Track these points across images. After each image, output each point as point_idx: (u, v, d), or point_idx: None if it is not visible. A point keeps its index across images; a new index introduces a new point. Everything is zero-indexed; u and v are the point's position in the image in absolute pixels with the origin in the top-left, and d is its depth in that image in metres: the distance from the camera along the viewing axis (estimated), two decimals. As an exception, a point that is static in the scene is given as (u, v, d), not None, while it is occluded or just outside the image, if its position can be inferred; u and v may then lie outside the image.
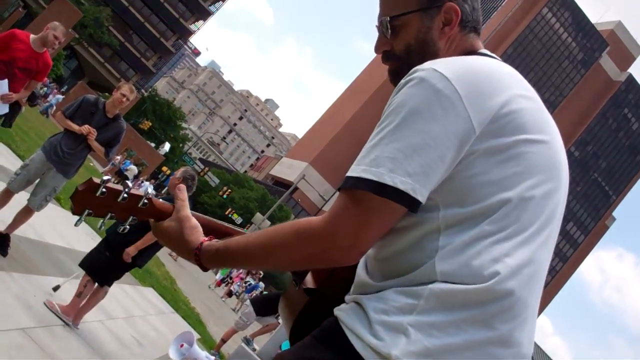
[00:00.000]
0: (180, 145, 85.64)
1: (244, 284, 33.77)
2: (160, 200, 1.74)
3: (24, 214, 6.60)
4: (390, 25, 1.66)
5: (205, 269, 1.65)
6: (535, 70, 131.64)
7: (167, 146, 69.46)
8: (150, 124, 70.70)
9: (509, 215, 1.41)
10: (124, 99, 6.68)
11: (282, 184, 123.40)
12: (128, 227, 1.73)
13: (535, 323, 1.50)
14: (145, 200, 1.68)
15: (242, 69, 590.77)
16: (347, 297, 1.56)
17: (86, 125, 6.42)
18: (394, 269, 1.46)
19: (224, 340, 11.88)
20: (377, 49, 1.73)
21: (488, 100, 1.42)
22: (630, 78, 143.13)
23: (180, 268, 23.06)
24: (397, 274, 1.45)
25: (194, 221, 1.69)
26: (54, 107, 40.50)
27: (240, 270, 40.65)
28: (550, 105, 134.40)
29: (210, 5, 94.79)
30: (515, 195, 1.42)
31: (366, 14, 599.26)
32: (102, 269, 6.66)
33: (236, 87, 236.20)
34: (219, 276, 35.45)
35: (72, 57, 77.74)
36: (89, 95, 6.83)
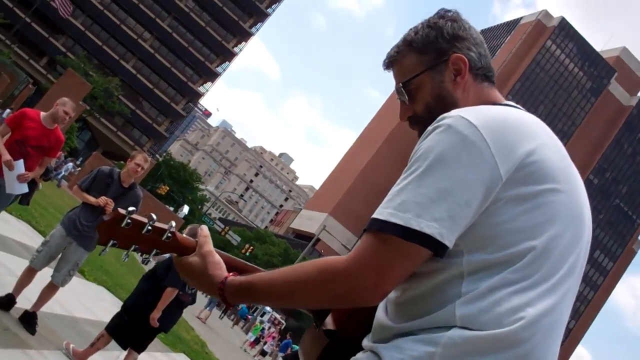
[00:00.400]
0: (199, 206, 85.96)
1: (277, 343, 33.45)
2: (184, 235, 1.73)
3: (49, 290, 6.54)
4: (406, 91, 1.72)
5: (228, 305, 1.64)
6: (545, 103, 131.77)
7: (186, 209, 69.77)
8: (168, 188, 71.10)
9: (533, 264, 1.41)
10: (139, 169, 6.67)
11: (303, 237, 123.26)
12: (150, 259, 1.71)
13: None
14: (169, 234, 1.67)
15: (254, 125, 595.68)
16: (364, 343, 1.56)
17: (103, 197, 6.39)
18: (414, 312, 1.45)
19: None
20: (402, 117, 1.77)
21: (515, 149, 1.42)
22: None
23: (210, 331, 22.86)
24: (416, 317, 1.44)
25: (218, 257, 1.69)
26: (64, 175, 40.93)
27: (272, 330, 40.41)
28: (564, 136, 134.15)
29: (217, 67, 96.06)
30: (540, 244, 1.42)
31: (372, 61, 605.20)
32: (124, 333, 6.66)
33: (249, 144, 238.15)
34: (250, 336, 35.17)
35: (85, 128, 78.75)
36: (104, 167, 6.83)
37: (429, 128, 1.48)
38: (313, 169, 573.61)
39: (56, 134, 6.59)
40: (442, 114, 1.55)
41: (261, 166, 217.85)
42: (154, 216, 1.67)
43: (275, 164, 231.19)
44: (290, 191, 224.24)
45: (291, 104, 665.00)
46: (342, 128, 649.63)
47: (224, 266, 1.67)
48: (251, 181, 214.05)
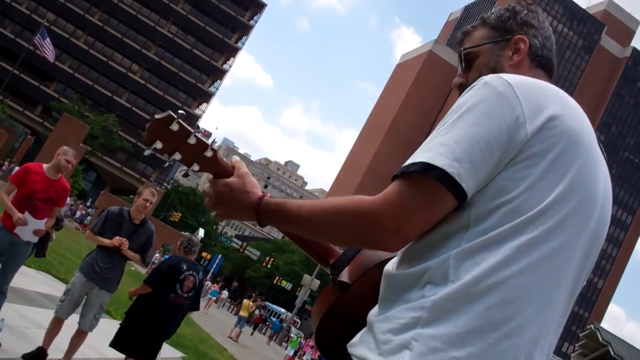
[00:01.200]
0: (214, 227, 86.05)
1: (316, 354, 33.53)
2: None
3: (78, 337, 6.61)
4: (466, 59, 1.77)
5: (261, 224, 1.65)
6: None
7: (201, 232, 69.67)
8: (180, 214, 71.31)
9: (542, 219, 1.39)
10: (148, 204, 6.75)
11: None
12: (189, 173, 1.73)
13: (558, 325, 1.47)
14: (211, 150, 1.67)
15: (255, 138, 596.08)
16: (370, 315, 1.54)
17: (117, 237, 6.47)
18: (415, 260, 1.44)
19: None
20: (454, 85, 1.80)
21: (543, 109, 1.43)
22: (635, 52, 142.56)
23: (244, 349, 22.93)
24: (416, 265, 1.42)
25: (254, 180, 1.71)
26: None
27: (309, 339, 40.44)
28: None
29: (209, 87, 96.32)
30: (552, 202, 1.40)
31: (362, 55, 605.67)
32: (126, 342, 6.69)
33: (253, 158, 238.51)
34: (289, 350, 35.18)
35: (90, 169, 79.15)
36: (112, 208, 6.91)
37: (467, 89, 1.51)
38: (321, 172, 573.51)
39: (62, 184, 6.66)
40: None
41: (269, 177, 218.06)
42: (200, 136, 1.66)
43: (283, 172, 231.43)
44: (301, 197, 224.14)
45: (289, 112, 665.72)
46: (343, 126, 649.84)
47: (259, 187, 1.70)
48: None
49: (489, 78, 1.47)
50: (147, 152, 1.68)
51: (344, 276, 1.76)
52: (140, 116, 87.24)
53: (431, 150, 1.39)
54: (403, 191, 1.39)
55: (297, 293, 51.81)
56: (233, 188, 1.67)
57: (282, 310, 62.69)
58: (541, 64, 1.75)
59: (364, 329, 1.52)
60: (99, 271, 6.51)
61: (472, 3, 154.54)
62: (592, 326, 35.89)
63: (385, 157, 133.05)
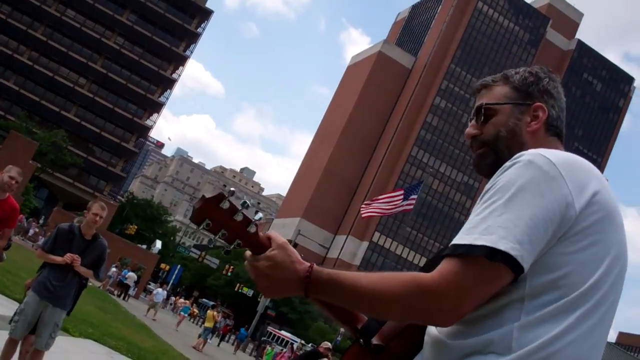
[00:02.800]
0: (172, 238, 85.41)
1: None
2: None
3: (34, 357, 6.46)
4: (485, 113, 1.82)
5: (307, 296, 1.60)
6: (489, 64, 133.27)
7: (158, 244, 69.26)
8: (136, 227, 70.53)
9: (587, 298, 1.53)
10: (97, 218, 6.62)
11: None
12: (230, 250, 1.68)
13: None
14: (254, 225, 1.65)
15: (209, 147, 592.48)
16: None
17: (68, 254, 6.34)
18: (473, 332, 1.54)
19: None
20: (468, 134, 1.86)
21: (587, 186, 1.55)
22: (580, 44, 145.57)
23: (205, 357, 22.71)
24: (475, 335, 1.53)
25: (294, 249, 1.67)
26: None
27: (285, 350, 40.26)
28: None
29: (159, 97, 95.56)
30: (598, 281, 1.54)
31: (312, 59, 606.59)
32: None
33: (208, 166, 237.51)
34: None
35: (41, 186, 77.80)
36: (63, 225, 6.76)
37: (507, 163, 1.59)
38: (277, 177, 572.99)
39: (9, 203, 6.50)
40: (506, 146, 1.76)
41: (225, 185, 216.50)
42: (248, 202, 1.65)
43: (239, 180, 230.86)
44: (258, 203, 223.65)
45: (242, 118, 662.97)
46: (297, 130, 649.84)
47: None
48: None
49: (532, 156, 1.56)
50: (198, 229, 1.69)
51: (376, 338, 1.77)
52: (90, 130, 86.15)
53: (491, 233, 1.46)
54: (465, 272, 1.48)
55: (259, 299, 51.53)
56: (277, 261, 1.62)
57: (292, 337, 61.05)
58: (555, 133, 1.82)
59: None
60: (51, 289, 6.37)
61: (418, 2, 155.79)
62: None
63: (341, 159, 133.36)
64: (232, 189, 1.62)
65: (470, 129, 1.86)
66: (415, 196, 19.39)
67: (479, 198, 1.63)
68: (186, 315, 33.78)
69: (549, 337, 1.49)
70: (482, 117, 1.82)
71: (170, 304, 57.45)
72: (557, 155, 1.58)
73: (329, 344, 13.52)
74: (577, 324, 1.52)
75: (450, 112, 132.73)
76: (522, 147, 1.74)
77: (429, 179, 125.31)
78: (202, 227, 1.60)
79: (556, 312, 1.51)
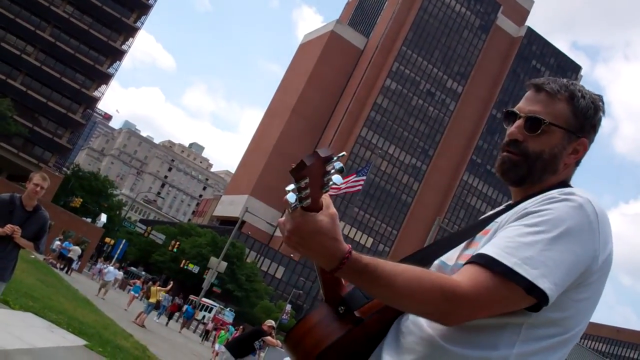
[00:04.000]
0: (117, 212, 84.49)
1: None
2: None
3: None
4: (541, 127, 1.81)
5: (335, 274, 1.54)
6: (440, 47, 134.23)
7: (103, 217, 68.46)
8: (81, 200, 69.61)
9: (572, 339, 1.68)
10: (38, 188, 6.54)
11: (228, 222, 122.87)
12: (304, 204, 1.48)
13: None
14: (327, 188, 1.51)
15: (158, 121, 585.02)
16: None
17: (8, 225, 6.27)
18: (471, 342, 1.62)
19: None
20: (512, 135, 1.86)
21: (608, 243, 1.67)
22: (530, 31, 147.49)
23: (148, 333, 22.67)
24: (472, 347, 1.61)
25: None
26: None
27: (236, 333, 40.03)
28: (462, 77, 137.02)
29: (108, 68, 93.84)
30: (583, 326, 1.71)
31: (265, 36, 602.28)
32: None
33: (157, 140, 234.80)
34: (218, 347, 34.87)
35: (-16, 155, 76.06)
36: (3, 195, 6.67)
37: (556, 195, 1.68)
38: (226, 154, 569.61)
39: None
40: (541, 167, 1.81)
41: (173, 160, 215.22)
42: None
43: (187, 155, 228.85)
44: (207, 180, 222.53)
45: (192, 93, 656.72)
46: (248, 107, 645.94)
47: None
48: (165, 177, 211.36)
49: (583, 201, 1.64)
50: (290, 191, 1.48)
51: (357, 312, 1.74)
52: (36, 100, 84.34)
53: (534, 267, 1.55)
54: (497, 291, 1.55)
55: (204, 276, 51.38)
56: (323, 230, 1.50)
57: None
58: (578, 165, 1.91)
59: None
60: (-9, 261, 6.31)
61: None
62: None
63: (291, 137, 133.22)
64: (343, 153, 1.50)
65: (515, 131, 1.85)
66: (364, 177, 19.57)
67: (517, 215, 1.69)
68: (136, 295, 32.94)
69: None
70: (534, 128, 1.82)
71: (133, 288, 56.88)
72: (599, 206, 1.67)
73: (273, 322, 13.69)
74: None
75: (400, 94, 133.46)
76: (554, 174, 1.84)
77: (377, 160, 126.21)
78: (297, 185, 1.46)
79: (549, 348, 1.63)
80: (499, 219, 1.78)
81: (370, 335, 1.74)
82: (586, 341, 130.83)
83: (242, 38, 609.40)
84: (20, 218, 6.42)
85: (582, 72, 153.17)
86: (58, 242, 41.70)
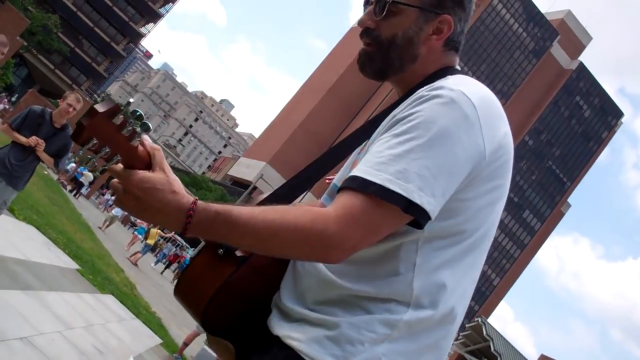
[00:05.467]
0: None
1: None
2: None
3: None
4: (388, 9, 1.63)
5: (185, 233, 1.37)
6: (488, 62, 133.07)
7: (123, 151, 68.64)
8: (105, 129, 69.88)
9: (477, 243, 1.53)
10: (71, 109, 6.63)
11: (240, 184, 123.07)
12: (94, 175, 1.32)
13: None
14: (138, 138, 1.39)
15: (195, 70, 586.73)
16: (304, 312, 1.53)
17: (34, 137, 6.36)
18: (367, 274, 1.48)
19: (186, 344, 11.84)
20: (362, 23, 1.69)
21: (496, 131, 1.50)
22: (581, 66, 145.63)
23: (140, 273, 22.89)
24: (369, 280, 1.47)
25: (177, 178, 1.42)
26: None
27: None
28: (503, 96, 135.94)
29: (160, 8, 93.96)
30: (487, 225, 1.55)
31: (318, 13, 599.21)
32: None
33: (190, 89, 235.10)
34: None
35: (22, 65, 76.49)
36: (35, 106, 6.76)
37: (424, 93, 1.48)
38: (254, 117, 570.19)
39: None
40: (398, 54, 1.63)
41: (201, 111, 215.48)
42: (142, 113, 1.41)
43: (216, 110, 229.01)
44: (229, 138, 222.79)
45: (234, 49, 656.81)
46: (286, 77, 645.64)
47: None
48: (190, 126, 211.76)
49: (455, 95, 1.45)
50: (80, 152, 1.37)
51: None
52: (84, 22, 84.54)
53: (407, 180, 1.37)
54: (373, 214, 1.38)
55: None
56: (157, 186, 1.36)
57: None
58: (454, 47, 1.72)
59: (317, 329, 1.49)
60: (9, 167, 6.41)
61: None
62: (479, 319, 37.26)
63: (321, 116, 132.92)
64: (130, 100, 1.28)
65: (366, 18, 1.68)
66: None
67: (387, 124, 1.52)
68: (140, 236, 32.43)
69: (446, 286, 1.47)
70: (383, 11, 1.64)
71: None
72: (477, 95, 1.49)
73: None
74: (465, 274, 1.53)
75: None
76: (415, 60, 1.65)
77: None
78: (85, 147, 1.34)
79: (453, 257, 1.48)
80: (375, 132, 1.59)
81: (260, 271, 1.61)
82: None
83: (295, 8, 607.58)
84: (47, 133, 6.51)
85: (623, 119, 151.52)
86: (73, 165, 41.96)
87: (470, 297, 1.60)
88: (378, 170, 1.39)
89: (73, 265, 11.26)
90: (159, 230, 30.61)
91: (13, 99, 59.39)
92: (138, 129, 1.37)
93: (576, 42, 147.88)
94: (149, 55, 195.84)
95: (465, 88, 1.48)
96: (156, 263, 35.26)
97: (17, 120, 6.56)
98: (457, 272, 1.50)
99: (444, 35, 1.65)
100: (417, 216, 1.38)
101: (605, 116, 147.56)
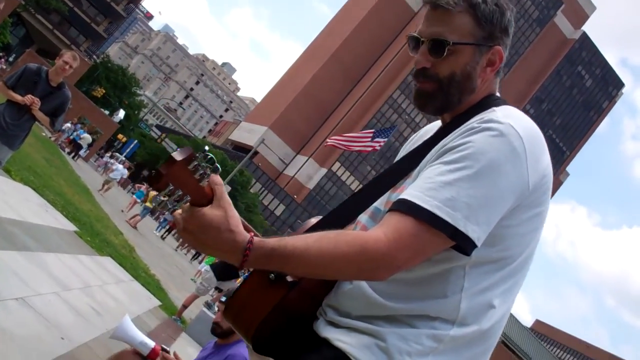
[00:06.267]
0: (136, 112, 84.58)
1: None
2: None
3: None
4: (447, 48, 1.67)
5: (242, 268, 1.44)
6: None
7: (121, 113, 68.50)
8: (104, 91, 69.63)
9: (519, 267, 1.63)
10: (67, 67, 6.47)
11: (241, 149, 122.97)
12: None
13: None
14: (207, 181, 1.46)
15: (197, 32, 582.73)
16: (352, 322, 1.62)
17: (29, 95, 6.22)
18: (413, 295, 1.57)
19: (185, 306, 11.87)
20: (419, 63, 1.72)
21: (540, 162, 1.58)
22: (584, 36, 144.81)
23: (139, 236, 22.87)
24: (415, 300, 1.57)
25: (237, 213, 1.47)
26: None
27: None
28: (506, 65, 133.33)
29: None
30: (529, 251, 1.64)
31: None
32: None
33: (191, 51, 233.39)
34: (203, 266, 34.58)
35: (20, 24, 75.85)
36: (31, 64, 6.60)
37: (475, 125, 1.57)
38: (256, 81, 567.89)
39: None
40: (457, 90, 1.69)
41: (202, 74, 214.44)
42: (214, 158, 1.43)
43: (217, 73, 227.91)
44: (231, 102, 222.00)
45: (237, 12, 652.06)
46: (288, 41, 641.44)
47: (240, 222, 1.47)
48: (191, 89, 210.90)
49: (504, 129, 1.53)
50: (156, 200, 1.40)
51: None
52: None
53: (455, 208, 1.46)
54: (421, 238, 1.47)
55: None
56: (214, 224, 1.40)
57: None
58: (498, 73, 1.77)
59: (363, 338, 1.58)
60: (4, 126, 6.27)
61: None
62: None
63: (324, 81, 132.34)
64: (206, 147, 1.39)
65: (422, 59, 1.71)
66: (385, 140, 19.34)
67: (437, 153, 1.59)
68: (139, 200, 32.06)
69: (491, 306, 1.57)
70: (439, 51, 1.68)
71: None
72: (524, 128, 1.56)
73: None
74: (508, 293, 1.62)
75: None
76: (473, 92, 1.71)
77: (402, 125, 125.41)
78: (159, 196, 1.34)
79: (498, 281, 1.58)
80: (424, 159, 1.66)
81: (310, 294, 1.70)
82: (555, 349, 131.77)
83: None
84: (43, 91, 6.36)
85: (624, 90, 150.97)
86: (69, 125, 41.59)
87: (509, 314, 1.69)
88: (428, 196, 1.47)
89: (71, 227, 11.18)
90: (154, 193, 30.40)
91: (10, 58, 59.03)
92: (208, 172, 1.43)
93: (580, 11, 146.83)
94: (149, 17, 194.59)
95: (513, 121, 1.56)
96: (157, 228, 35.10)
97: (12, 79, 6.41)
98: (501, 294, 1.59)
99: (497, 66, 1.74)
100: (462, 243, 1.47)
101: (606, 86, 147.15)
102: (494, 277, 1.58)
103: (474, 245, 1.48)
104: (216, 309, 12.03)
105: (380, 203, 1.77)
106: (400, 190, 1.68)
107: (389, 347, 1.54)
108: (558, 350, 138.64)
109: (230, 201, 1.45)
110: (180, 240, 41.43)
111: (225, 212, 1.41)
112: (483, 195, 1.47)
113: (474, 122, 1.60)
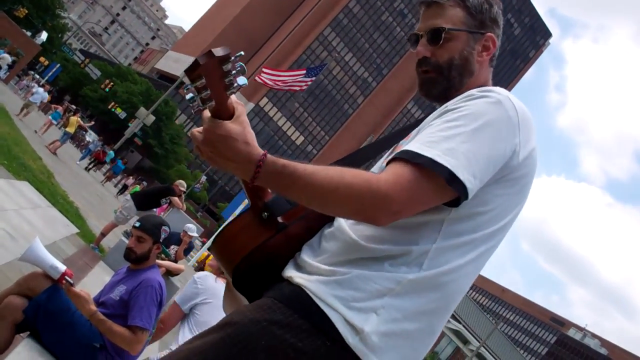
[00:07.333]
0: (59, 35, 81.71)
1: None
2: None
3: None
4: (443, 37, 1.85)
5: (253, 182, 1.55)
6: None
7: (44, 35, 65.97)
8: (27, 11, 66.81)
9: (493, 235, 1.71)
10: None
11: (167, 79, 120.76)
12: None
13: None
14: (234, 92, 1.49)
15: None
16: (320, 265, 1.68)
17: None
18: (392, 239, 1.64)
19: (103, 234, 11.77)
20: (419, 53, 1.89)
21: (530, 141, 1.70)
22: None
23: (58, 163, 22.38)
24: (392, 244, 1.64)
25: (252, 131, 1.57)
26: None
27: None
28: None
29: None
30: (505, 224, 1.74)
31: None
32: None
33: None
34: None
35: None
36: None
37: (474, 92, 1.70)
38: (185, 10, 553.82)
39: None
40: (458, 74, 1.85)
41: (130, 0, 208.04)
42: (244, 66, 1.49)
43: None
44: (158, 30, 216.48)
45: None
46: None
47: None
48: (118, 14, 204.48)
49: (502, 98, 1.67)
50: (188, 95, 1.47)
51: (280, 217, 1.77)
52: None
53: (454, 157, 1.55)
54: (420, 183, 1.55)
55: (129, 124, 50.47)
56: (232, 134, 1.50)
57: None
58: (492, 63, 1.95)
59: (327, 277, 1.65)
60: None
61: None
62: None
63: (255, 12, 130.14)
64: (241, 52, 1.47)
65: (422, 49, 1.89)
66: (313, 78, 19.24)
67: (439, 114, 1.71)
68: (55, 122, 30.80)
69: (455, 265, 1.64)
70: (436, 40, 1.86)
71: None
72: (520, 105, 1.70)
73: (185, 184, 13.60)
74: (476, 259, 1.69)
75: (373, 5, 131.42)
76: (472, 75, 1.88)
77: (331, 63, 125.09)
78: (191, 85, 1.44)
79: (468, 243, 1.66)
80: (424, 122, 1.79)
81: (293, 241, 1.78)
82: (471, 292, 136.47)
83: None
84: None
85: (551, 40, 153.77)
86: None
87: (472, 283, 1.76)
88: (429, 147, 1.57)
89: (-13, 150, 10.86)
90: (78, 119, 29.67)
91: None
92: (235, 83, 1.47)
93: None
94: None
95: (511, 96, 1.70)
96: (81, 159, 34.31)
97: None
98: (467, 255, 1.66)
99: (491, 51, 1.91)
100: (458, 190, 1.55)
101: (534, 35, 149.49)
102: (466, 238, 1.65)
103: (466, 196, 1.57)
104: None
105: (376, 167, 1.89)
106: (399, 148, 1.75)
107: (346, 283, 1.61)
108: (474, 293, 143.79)
109: (248, 121, 1.54)
110: (107, 174, 40.39)
111: (243, 126, 1.52)
112: (479, 151, 1.58)
113: (473, 91, 1.72)
